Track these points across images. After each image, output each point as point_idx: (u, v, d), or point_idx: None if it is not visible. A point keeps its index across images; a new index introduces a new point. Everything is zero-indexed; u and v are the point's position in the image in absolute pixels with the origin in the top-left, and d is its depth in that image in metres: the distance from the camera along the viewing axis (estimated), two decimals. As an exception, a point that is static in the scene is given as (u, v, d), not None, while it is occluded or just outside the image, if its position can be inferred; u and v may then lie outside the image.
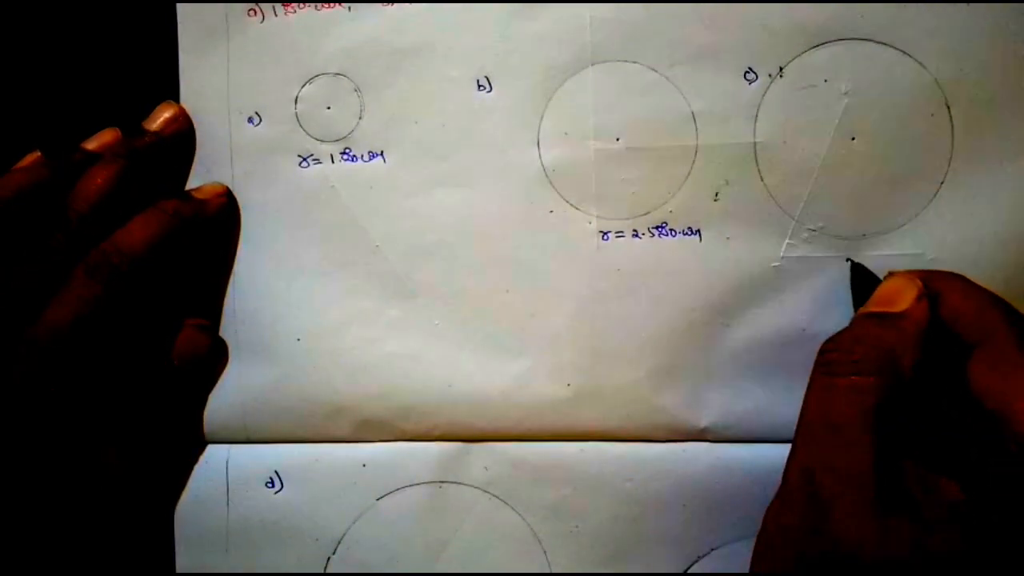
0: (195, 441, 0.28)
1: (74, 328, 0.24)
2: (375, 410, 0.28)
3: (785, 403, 0.27)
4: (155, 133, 0.28)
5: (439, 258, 0.28)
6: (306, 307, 0.28)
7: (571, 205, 0.28)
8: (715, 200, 0.27)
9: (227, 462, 0.28)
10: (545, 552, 0.28)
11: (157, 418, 0.26)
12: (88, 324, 0.24)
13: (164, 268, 0.26)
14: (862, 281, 0.27)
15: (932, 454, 0.23)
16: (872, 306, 0.24)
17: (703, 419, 0.28)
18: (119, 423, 0.25)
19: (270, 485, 0.28)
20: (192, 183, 0.29)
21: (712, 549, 0.28)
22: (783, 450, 0.27)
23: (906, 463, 0.22)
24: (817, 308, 0.27)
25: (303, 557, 0.28)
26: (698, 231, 0.27)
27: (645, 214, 0.28)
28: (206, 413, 0.28)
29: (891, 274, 0.25)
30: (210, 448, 0.28)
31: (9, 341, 0.23)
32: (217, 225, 0.28)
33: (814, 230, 0.27)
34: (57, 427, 0.24)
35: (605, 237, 0.28)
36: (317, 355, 0.28)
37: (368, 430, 0.28)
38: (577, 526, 0.28)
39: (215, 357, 0.28)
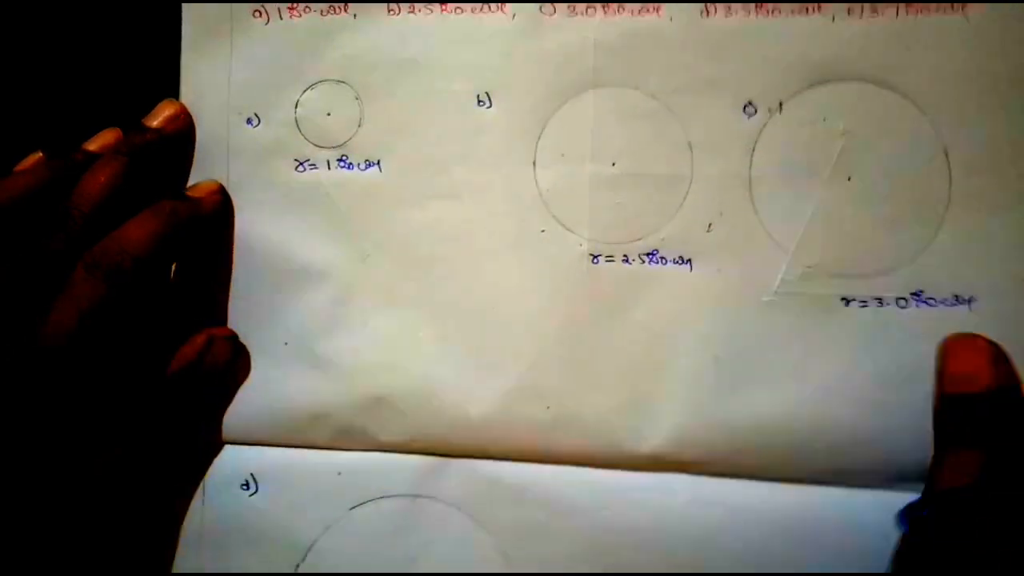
0: (212, 444, 0.28)
1: (80, 327, 0.24)
2: (354, 419, 0.28)
3: (774, 441, 0.27)
4: (156, 130, 0.28)
5: (427, 271, 0.28)
6: (293, 311, 0.28)
7: (563, 226, 0.28)
8: (708, 231, 0.27)
9: (203, 462, 0.28)
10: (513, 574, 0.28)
11: (171, 423, 0.26)
12: (93, 322, 0.24)
13: (166, 266, 0.26)
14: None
15: None
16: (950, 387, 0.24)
17: (686, 452, 0.27)
18: (128, 424, 0.25)
19: (245, 487, 0.28)
20: (190, 182, 0.29)
21: (686, 585, 0.28)
22: (769, 488, 0.27)
23: None
24: (810, 347, 0.27)
25: (273, 562, 0.28)
26: (689, 261, 0.27)
27: (637, 240, 0.27)
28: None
29: (946, 345, 0.25)
30: (188, 446, 0.28)
31: (15, 343, 0.23)
32: (213, 223, 0.28)
33: (809, 267, 0.27)
34: (64, 428, 0.24)
35: (595, 260, 0.27)
36: (300, 360, 0.28)
37: (346, 438, 0.28)
38: (550, 551, 0.28)
39: (235, 367, 0.28)
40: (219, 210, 0.28)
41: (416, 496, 0.28)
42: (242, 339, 0.28)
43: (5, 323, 0.24)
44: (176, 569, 0.27)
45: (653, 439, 0.27)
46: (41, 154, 0.27)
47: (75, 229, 0.25)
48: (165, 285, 0.27)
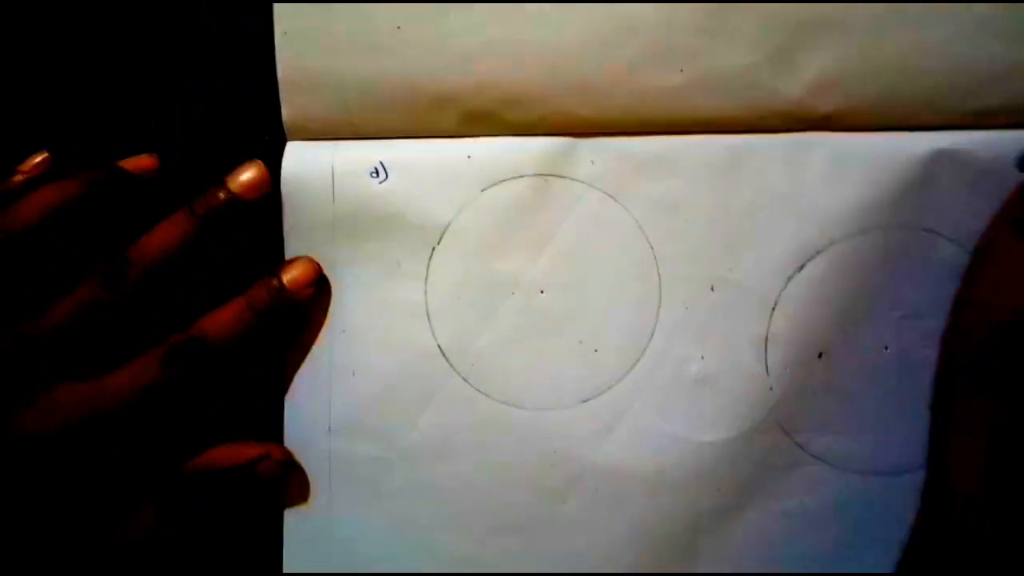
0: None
1: (134, 402, 0.25)
2: (480, 101, 0.27)
3: (918, 85, 0.25)
4: (233, 194, 0.27)
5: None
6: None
7: None
8: None
9: (332, 155, 0.28)
10: (652, 247, 0.27)
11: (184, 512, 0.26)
12: (150, 401, 0.25)
13: (241, 354, 0.26)
14: None
15: None
16: None
17: (826, 103, 0.26)
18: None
19: (375, 175, 0.28)
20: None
21: (832, 243, 0.27)
22: (909, 139, 0.26)
23: None
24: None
25: (408, 246, 0.28)
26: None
27: None
28: (306, 113, 0.28)
29: None
30: (314, 143, 0.28)
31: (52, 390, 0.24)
32: (302, 312, 0.28)
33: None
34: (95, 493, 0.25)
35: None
36: (419, 43, 0.27)
37: (473, 123, 0.27)
38: (686, 220, 0.27)
39: (278, 487, 0.28)
40: (311, 301, 0.27)
41: (548, 175, 0.28)
42: (351, 25, 0.27)
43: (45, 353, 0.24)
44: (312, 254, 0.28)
45: (793, 96, 0.26)
46: (47, 154, 0.27)
47: (135, 283, 0.25)
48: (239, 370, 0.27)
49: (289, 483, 0.28)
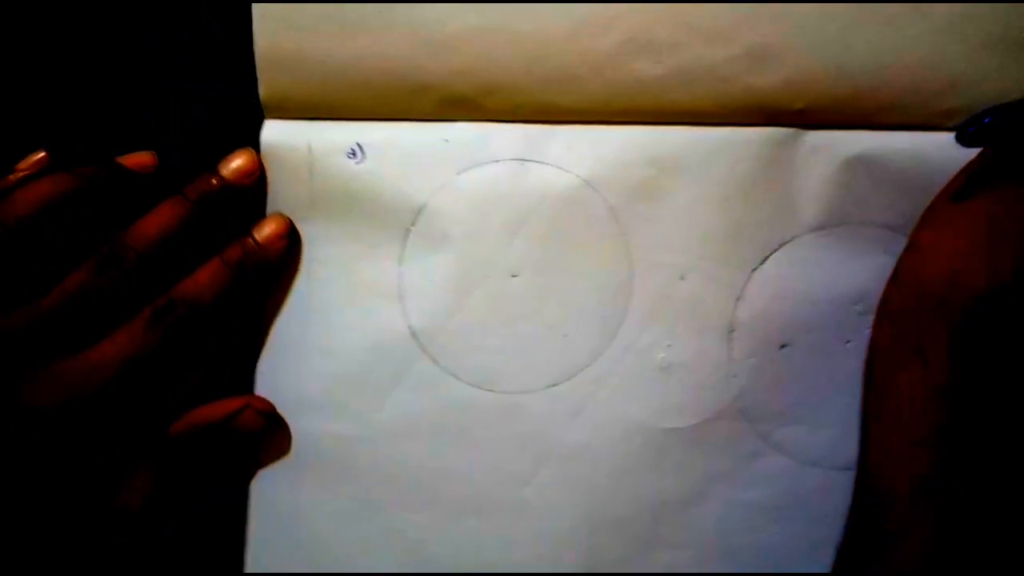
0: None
1: (124, 370, 0.25)
2: (458, 87, 0.27)
3: (891, 83, 0.26)
4: (226, 180, 0.27)
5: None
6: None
7: None
8: None
9: (309, 134, 0.28)
10: (625, 235, 0.28)
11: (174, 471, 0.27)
12: (138, 368, 0.25)
13: (220, 316, 0.27)
14: None
15: None
16: None
17: (800, 101, 0.27)
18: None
19: (352, 156, 0.28)
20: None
21: (794, 237, 0.27)
22: (880, 137, 0.27)
23: None
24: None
25: (385, 226, 0.28)
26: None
27: None
28: (283, 92, 0.28)
29: None
30: (292, 122, 0.28)
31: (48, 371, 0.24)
32: (276, 268, 0.28)
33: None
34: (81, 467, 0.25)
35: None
36: (398, 27, 0.27)
37: (452, 108, 0.28)
38: (660, 209, 0.28)
39: (261, 440, 0.28)
40: (284, 255, 0.28)
41: (524, 160, 0.28)
42: (330, 6, 0.27)
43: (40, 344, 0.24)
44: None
45: (767, 90, 0.27)
46: (44, 153, 0.27)
47: (129, 269, 0.25)
48: (217, 332, 0.28)
49: (273, 437, 0.28)
